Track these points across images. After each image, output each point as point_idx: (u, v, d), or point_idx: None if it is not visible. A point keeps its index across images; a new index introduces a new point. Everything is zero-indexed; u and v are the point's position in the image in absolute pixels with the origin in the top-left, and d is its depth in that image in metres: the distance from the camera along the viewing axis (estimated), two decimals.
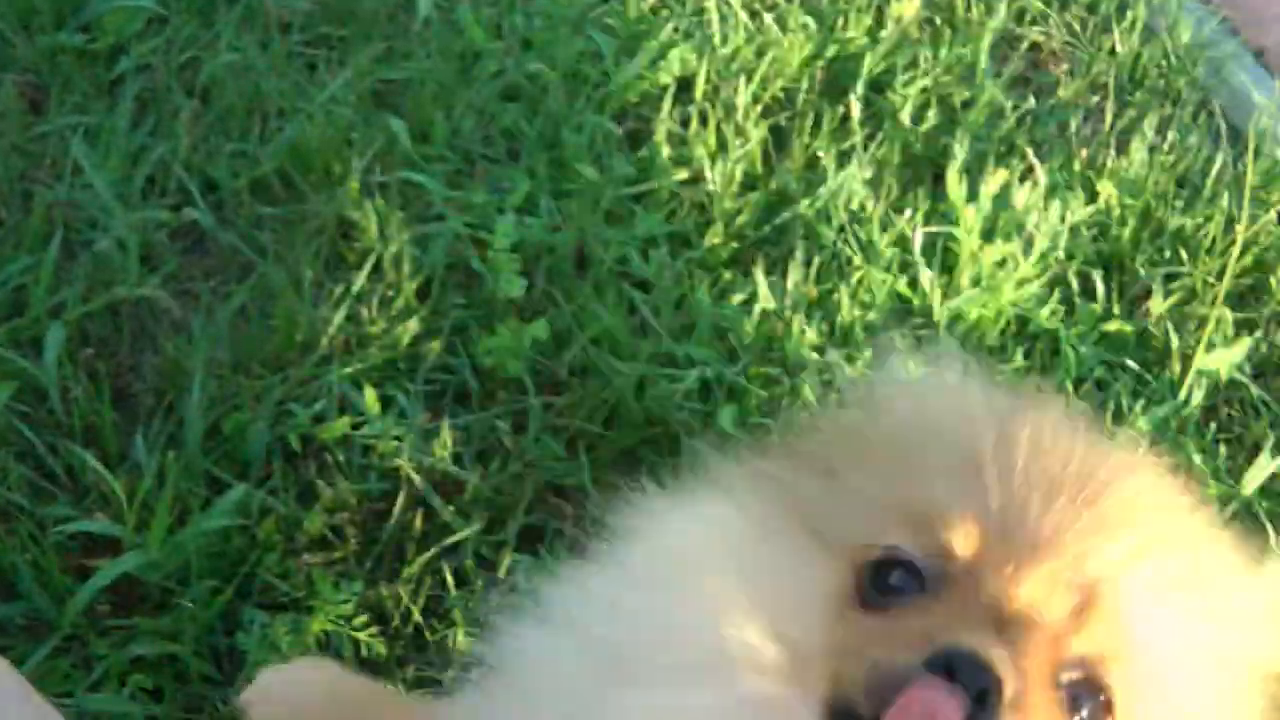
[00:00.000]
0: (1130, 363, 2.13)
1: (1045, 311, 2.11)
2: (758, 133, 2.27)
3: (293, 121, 2.16)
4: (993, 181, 2.19)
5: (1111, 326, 2.17)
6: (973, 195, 2.20)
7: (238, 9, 2.31)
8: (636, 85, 2.34)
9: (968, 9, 2.66)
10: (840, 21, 2.52)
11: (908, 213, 2.21)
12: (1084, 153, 2.44)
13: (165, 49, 2.23)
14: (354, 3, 2.37)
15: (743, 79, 2.35)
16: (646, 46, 2.38)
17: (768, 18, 2.49)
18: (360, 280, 1.98)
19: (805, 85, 2.38)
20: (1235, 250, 2.26)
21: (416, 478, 1.78)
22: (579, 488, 1.84)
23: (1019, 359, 2.08)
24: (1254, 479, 2.02)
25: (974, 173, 2.28)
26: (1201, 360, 2.12)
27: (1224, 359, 2.14)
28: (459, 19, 2.39)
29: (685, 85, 2.36)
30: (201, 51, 2.25)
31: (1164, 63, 2.70)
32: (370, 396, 1.84)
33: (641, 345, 1.97)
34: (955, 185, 2.20)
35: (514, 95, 2.33)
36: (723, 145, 2.25)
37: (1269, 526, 1.96)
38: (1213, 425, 2.12)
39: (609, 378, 1.91)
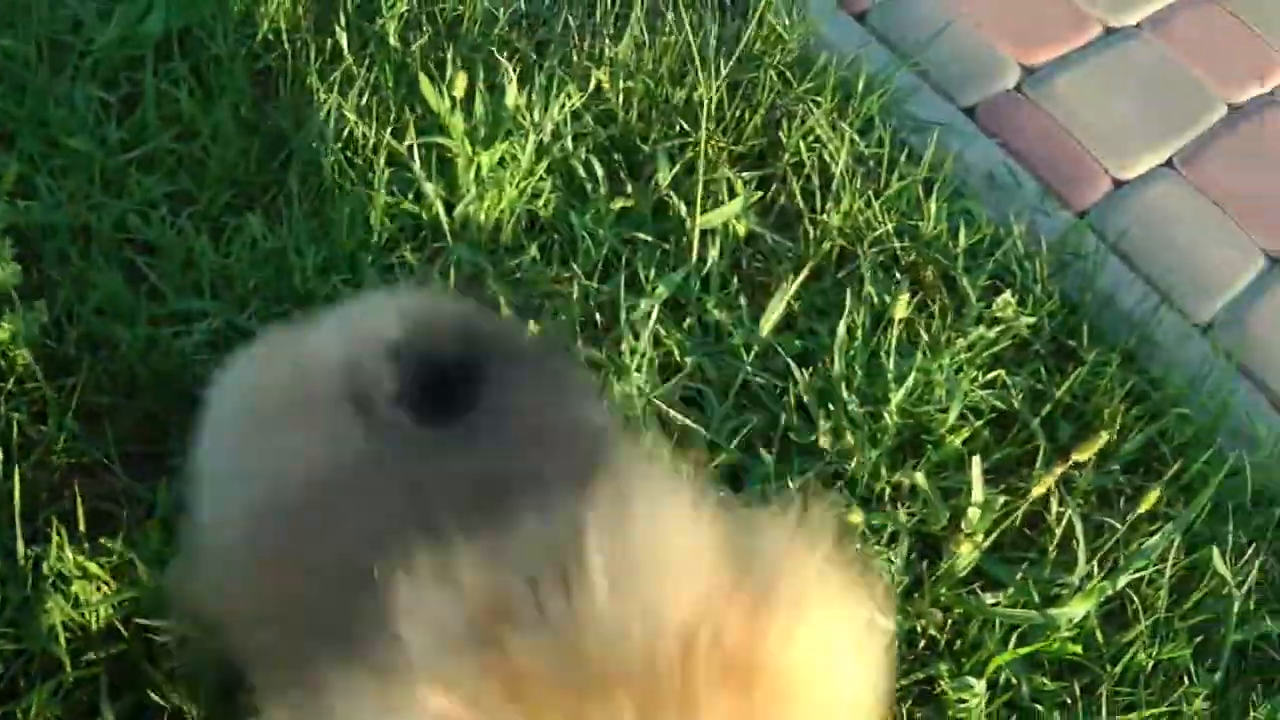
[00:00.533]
0: (645, 236, 2.23)
1: (540, 201, 2.19)
2: (246, 78, 2.28)
3: None
4: (459, 83, 2.22)
5: (618, 204, 2.26)
6: (456, 102, 2.25)
7: None
8: (122, 48, 2.31)
9: None
10: None
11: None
12: (585, 46, 2.52)
13: None
14: None
15: (222, 27, 2.34)
16: (125, 7, 2.34)
17: None
18: None
19: (290, 25, 2.39)
20: (728, 112, 2.39)
21: None
22: (104, 463, 1.84)
23: (534, 252, 2.16)
24: (769, 320, 2.17)
25: (473, 80, 2.32)
26: (702, 220, 2.24)
27: (722, 215, 2.27)
28: None
29: (176, 41, 2.34)
30: None
31: None
32: None
33: (151, 309, 1.98)
34: (434, 98, 2.25)
35: None
36: (210, 96, 2.25)
37: (789, 361, 2.10)
38: (736, 279, 2.25)
39: (117, 346, 1.91)
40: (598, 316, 2.11)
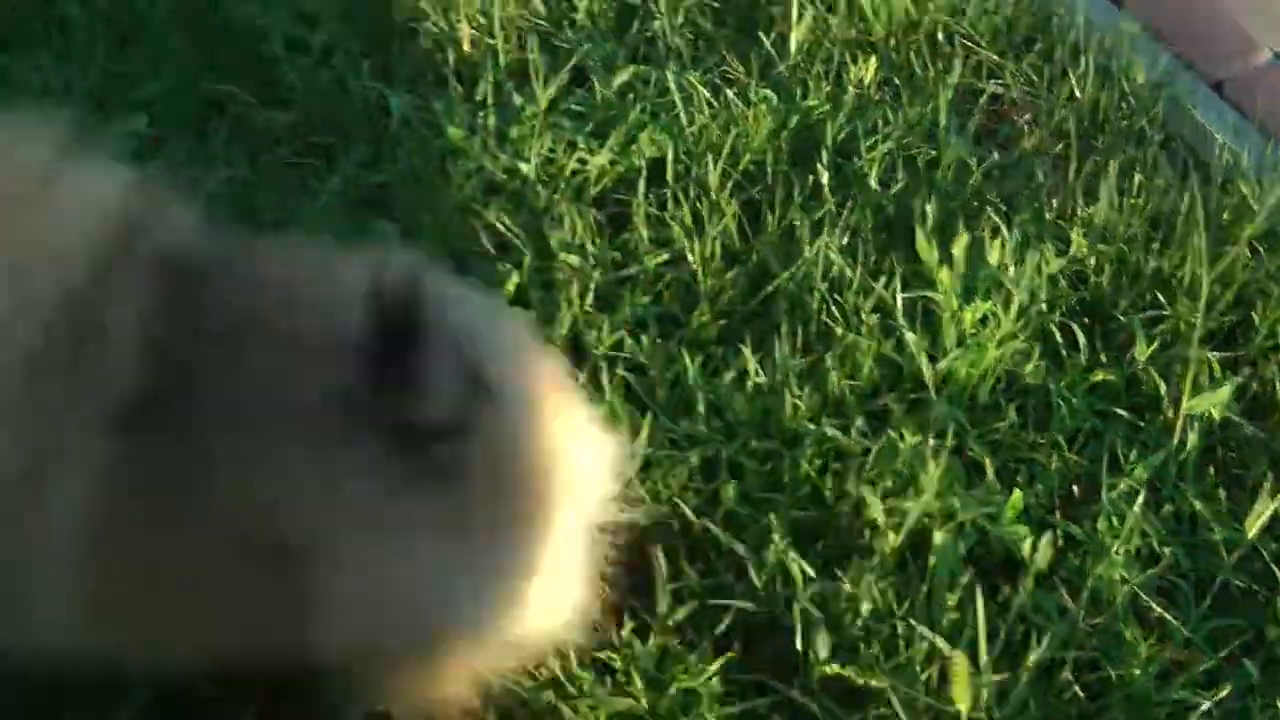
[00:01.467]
0: (1120, 411, 2.18)
1: (1030, 366, 2.17)
2: (731, 208, 2.34)
3: (288, 231, 2.22)
4: (961, 240, 2.24)
5: (1098, 376, 2.21)
6: (946, 255, 2.26)
7: (225, 124, 2.39)
8: (611, 171, 2.41)
9: (925, 67, 2.73)
10: (800, 91, 2.59)
11: (886, 278, 2.27)
12: (1053, 202, 2.50)
13: (164, 167, 2.29)
14: (335, 110, 2.45)
15: (711, 156, 2.42)
16: (616, 131, 2.45)
17: (730, 93, 2.56)
18: None
19: (772, 158, 2.45)
20: (1204, 288, 2.31)
21: None
22: None
23: (1012, 415, 2.13)
24: (1255, 521, 2.05)
25: (947, 231, 2.33)
26: (1189, 404, 2.16)
27: (1210, 401, 2.17)
28: (434, 119, 2.47)
29: (658, 167, 2.43)
30: (197, 169, 2.32)
31: (1124, 104, 2.75)
32: None
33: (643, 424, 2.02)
34: (926, 247, 2.26)
35: (496, 190, 2.40)
36: (699, 223, 2.32)
37: (1275, 569, 2.02)
38: (1211, 468, 2.15)
39: None
40: (1074, 488, 2.08)
